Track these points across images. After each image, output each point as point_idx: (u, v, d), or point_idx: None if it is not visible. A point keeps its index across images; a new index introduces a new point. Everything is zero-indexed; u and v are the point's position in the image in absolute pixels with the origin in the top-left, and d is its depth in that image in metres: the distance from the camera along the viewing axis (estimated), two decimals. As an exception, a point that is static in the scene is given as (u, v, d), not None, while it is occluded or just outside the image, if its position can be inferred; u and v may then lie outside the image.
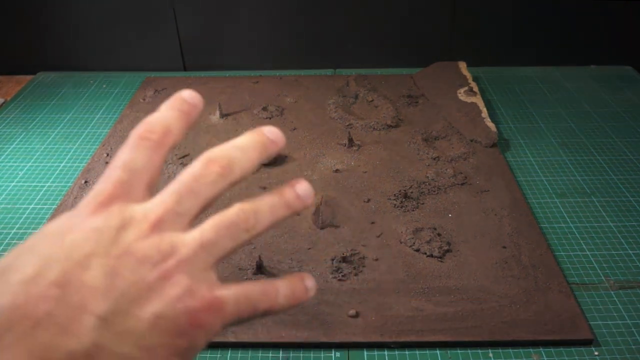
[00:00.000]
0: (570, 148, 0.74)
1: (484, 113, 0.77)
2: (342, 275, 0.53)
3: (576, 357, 0.46)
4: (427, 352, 0.47)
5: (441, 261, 0.54)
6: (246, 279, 0.53)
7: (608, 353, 0.46)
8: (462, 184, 0.65)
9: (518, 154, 0.73)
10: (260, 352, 0.47)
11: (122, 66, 0.99)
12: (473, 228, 0.59)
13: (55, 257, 0.21)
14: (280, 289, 0.25)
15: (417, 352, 0.47)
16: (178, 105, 0.27)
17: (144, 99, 0.85)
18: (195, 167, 0.25)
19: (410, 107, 0.82)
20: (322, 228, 0.59)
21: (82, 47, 1.00)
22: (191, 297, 0.22)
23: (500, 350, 0.46)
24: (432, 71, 0.90)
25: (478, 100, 0.80)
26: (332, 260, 0.54)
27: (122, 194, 0.24)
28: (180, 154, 0.71)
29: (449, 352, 0.46)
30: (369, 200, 0.63)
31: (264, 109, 0.81)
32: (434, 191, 0.64)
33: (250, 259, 0.54)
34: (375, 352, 0.47)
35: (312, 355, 0.47)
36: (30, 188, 0.68)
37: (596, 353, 0.46)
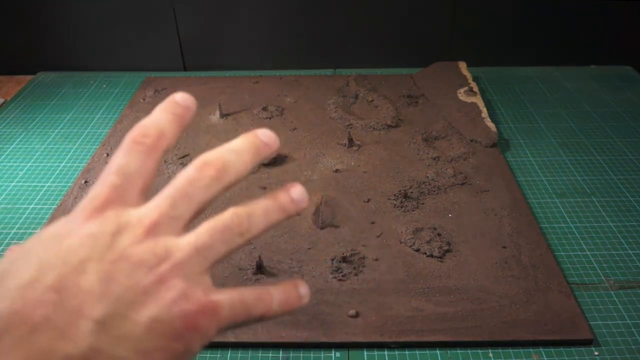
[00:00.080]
0: (570, 148, 0.74)
1: (484, 113, 0.77)
2: (342, 275, 0.53)
3: (576, 357, 0.46)
4: (427, 352, 0.47)
5: (441, 261, 0.54)
6: (246, 279, 0.53)
7: (608, 353, 0.46)
8: (462, 184, 0.65)
9: (518, 154, 0.73)
10: (260, 352, 0.47)
11: (122, 66, 0.99)
12: (473, 228, 0.59)
13: (52, 262, 0.22)
14: (275, 295, 0.26)
15: (417, 352, 0.47)
16: (171, 109, 0.27)
17: (144, 99, 0.85)
18: (189, 171, 0.25)
19: (410, 107, 0.82)
20: (322, 228, 0.59)
21: (82, 47, 1.00)
22: (186, 301, 0.22)
23: (500, 350, 0.46)
24: (432, 71, 0.90)
25: (478, 100, 0.80)
26: (332, 260, 0.54)
27: (117, 198, 0.24)
28: (180, 154, 0.71)
29: (449, 352, 0.46)
30: (369, 200, 0.63)
31: (264, 109, 0.81)
32: (434, 191, 0.64)
33: (250, 259, 0.54)
34: (375, 352, 0.47)
35: (312, 355, 0.47)
36: (30, 188, 0.68)
37: (596, 353, 0.46)
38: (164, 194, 0.24)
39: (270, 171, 0.68)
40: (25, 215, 0.63)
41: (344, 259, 0.54)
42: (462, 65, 0.89)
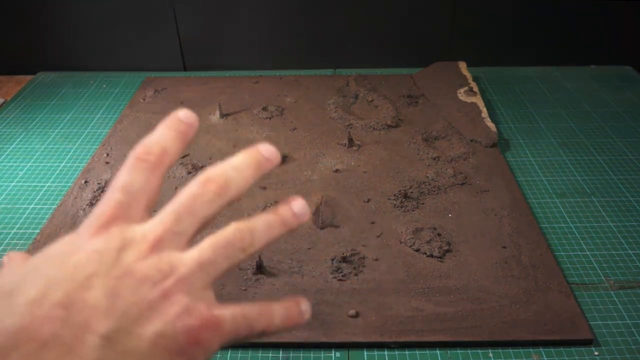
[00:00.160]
0: (570, 148, 0.74)
1: (484, 113, 0.77)
2: (342, 275, 0.53)
3: (576, 357, 0.46)
4: (427, 352, 0.47)
5: (441, 261, 0.54)
6: (246, 279, 0.53)
7: (608, 353, 0.46)
8: (462, 184, 0.65)
9: (518, 154, 0.73)
10: (260, 352, 0.47)
11: (122, 66, 0.99)
12: (473, 228, 0.59)
13: (59, 278, 0.22)
14: (277, 311, 0.26)
15: (417, 352, 0.47)
16: (174, 126, 0.27)
17: (144, 99, 0.85)
18: (192, 187, 0.25)
19: (410, 107, 0.82)
20: (322, 228, 0.59)
21: (82, 47, 1.00)
22: (190, 316, 0.23)
23: (500, 350, 0.46)
24: (432, 71, 0.90)
25: (478, 100, 0.80)
26: (332, 260, 0.54)
27: (122, 215, 0.24)
28: (180, 154, 0.71)
29: (449, 352, 0.46)
30: (369, 200, 0.63)
31: (264, 109, 0.81)
32: (434, 191, 0.64)
33: (250, 259, 0.54)
34: (375, 352, 0.47)
35: (312, 355, 0.47)
36: (30, 188, 0.68)
37: (596, 353, 0.46)
38: (167, 210, 0.25)
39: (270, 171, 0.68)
40: (25, 215, 0.63)
41: (344, 259, 0.54)
42: (462, 65, 0.89)
